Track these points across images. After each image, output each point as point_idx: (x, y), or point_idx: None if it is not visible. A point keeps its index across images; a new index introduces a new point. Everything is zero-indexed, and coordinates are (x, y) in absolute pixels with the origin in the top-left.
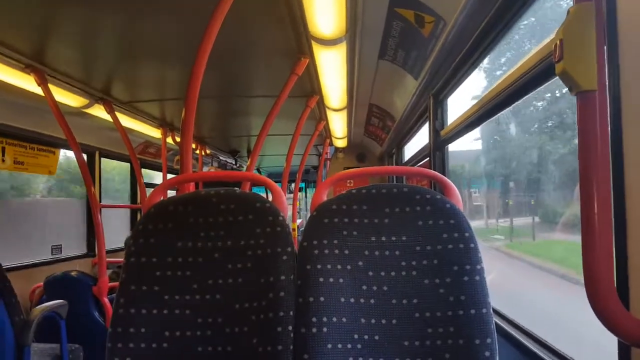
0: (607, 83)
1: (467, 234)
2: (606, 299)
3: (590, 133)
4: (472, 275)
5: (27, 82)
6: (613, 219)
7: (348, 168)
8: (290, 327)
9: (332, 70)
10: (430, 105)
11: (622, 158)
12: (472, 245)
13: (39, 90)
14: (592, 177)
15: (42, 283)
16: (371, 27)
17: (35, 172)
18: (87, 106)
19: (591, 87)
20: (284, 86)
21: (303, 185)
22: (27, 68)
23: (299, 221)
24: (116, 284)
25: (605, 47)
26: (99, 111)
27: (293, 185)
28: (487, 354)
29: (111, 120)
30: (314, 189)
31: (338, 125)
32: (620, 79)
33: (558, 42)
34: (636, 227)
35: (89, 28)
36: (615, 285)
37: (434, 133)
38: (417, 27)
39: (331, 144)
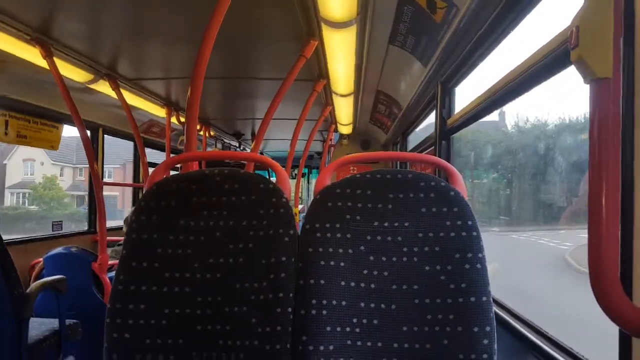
0: (621, 71)
1: (469, 222)
2: (610, 289)
3: (601, 122)
4: (474, 263)
5: (32, 55)
6: (620, 210)
7: None
8: (289, 309)
9: (340, 54)
10: (438, 93)
11: (632, 148)
12: (474, 233)
13: (44, 64)
14: (601, 167)
15: (41, 258)
16: (382, 11)
17: (38, 146)
18: (92, 82)
19: (606, 74)
20: (291, 69)
21: (306, 170)
22: (32, 40)
23: (300, 206)
24: (116, 261)
25: (621, 35)
26: (104, 87)
27: (296, 170)
28: (485, 341)
29: (116, 97)
30: (317, 176)
31: (344, 112)
32: (635, 68)
33: (574, 29)
34: None
35: (97, 1)
36: (620, 275)
37: (441, 121)
38: (429, 12)
39: (336, 130)
